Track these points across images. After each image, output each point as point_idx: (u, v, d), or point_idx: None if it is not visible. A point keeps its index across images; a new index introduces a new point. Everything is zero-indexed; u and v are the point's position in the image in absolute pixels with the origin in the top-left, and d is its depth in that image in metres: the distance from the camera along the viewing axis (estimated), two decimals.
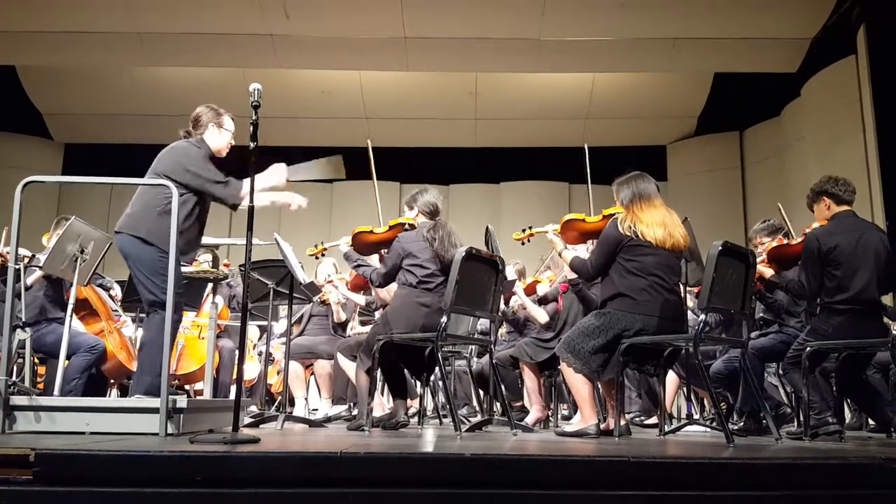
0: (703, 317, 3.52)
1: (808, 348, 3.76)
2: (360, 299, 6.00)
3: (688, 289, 4.49)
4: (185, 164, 3.59)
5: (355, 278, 5.60)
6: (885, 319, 3.97)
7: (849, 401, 5.09)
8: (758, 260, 3.97)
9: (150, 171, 3.64)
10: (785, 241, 4.29)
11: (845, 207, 3.97)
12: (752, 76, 9.60)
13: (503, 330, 6.26)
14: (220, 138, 3.83)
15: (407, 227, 4.32)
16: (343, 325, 5.89)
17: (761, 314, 4.65)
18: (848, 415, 5.52)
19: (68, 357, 4.22)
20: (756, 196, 10.59)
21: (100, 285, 5.17)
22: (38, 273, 4.45)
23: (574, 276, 4.60)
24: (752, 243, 4.77)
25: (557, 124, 10.88)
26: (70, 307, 3.94)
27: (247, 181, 3.41)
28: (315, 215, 11.25)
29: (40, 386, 4.88)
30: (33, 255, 4.59)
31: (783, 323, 4.49)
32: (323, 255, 5.06)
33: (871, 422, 5.01)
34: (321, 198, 11.53)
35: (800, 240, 4.09)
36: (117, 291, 5.33)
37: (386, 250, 4.42)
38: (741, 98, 10.30)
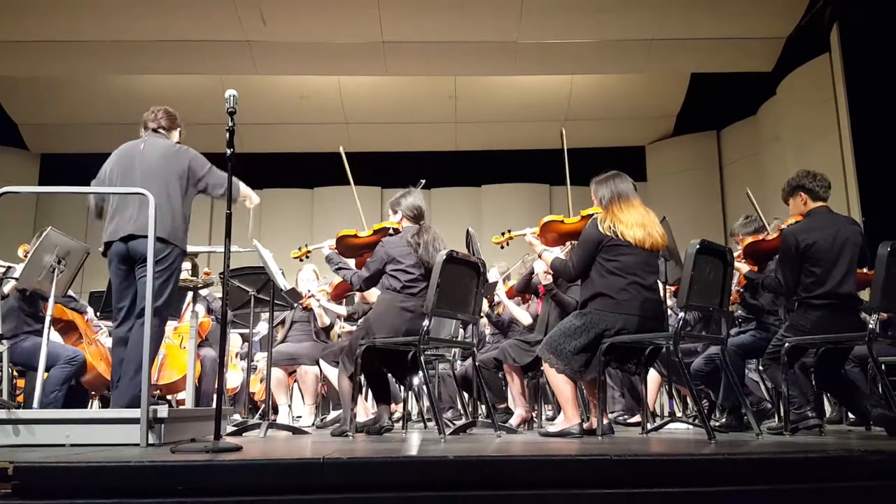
0: (682, 315, 3.54)
1: (787, 344, 3.80)
2: (342, 310, 5.98)
3: (667, 287, 4.52)
4: (194, 170, 3.78)
5: (339, 285, 5.58)
6: (862, 314, 4.02)
7: (828, 395, 5.14)
8: (735, 255, 4.01)
9: (159, 173, 3.69)
10: (760, 237, 4.33)
11: (821, 203, 4.01)
12: (728, 76, 9.70)
13: (487, 332, 6.27)
14: (178, 138, 3.99)
15: (391, 231, 4.32)
16: (326, 330, 5.87)
17: (740, 311, 4.69)
18: (828, 409, 5.58)
19: (47, 369, 4.17)
20: (734, 194, 10.70)
21: (73, 308, 5.09)
22: (12, 283, 4.40)
23: (548, 281, 4.63)
24: (733, 239, 4.82)
25: (537, 126, 10.93)
26: (48, 318, 3.90)
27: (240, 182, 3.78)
28: (296, 220, 11.23)
29: (19, 399, 4.82)
30: (9, 267, 4.53)
31: (761, 320, 4.53)
32: (307, 256, 5.04)
33: (850, 415, 5.07)
34: (302, 203, 11.51)
35: (775, 235, 4.13)
36: (91, 315, 5.27)
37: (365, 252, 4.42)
38: (718, 98, 10.41)
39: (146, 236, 3.42)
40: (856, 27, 7.80)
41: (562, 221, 4.08)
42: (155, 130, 3.90)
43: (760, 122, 10.23)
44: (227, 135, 2.96)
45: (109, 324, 5.48)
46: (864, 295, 4.20)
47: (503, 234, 4.41)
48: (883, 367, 4.27)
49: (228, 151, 2.96)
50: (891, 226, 6.31)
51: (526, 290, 5.56)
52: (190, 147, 3.87)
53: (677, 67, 9.89)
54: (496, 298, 5.76)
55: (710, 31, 8.77)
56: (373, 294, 4.99)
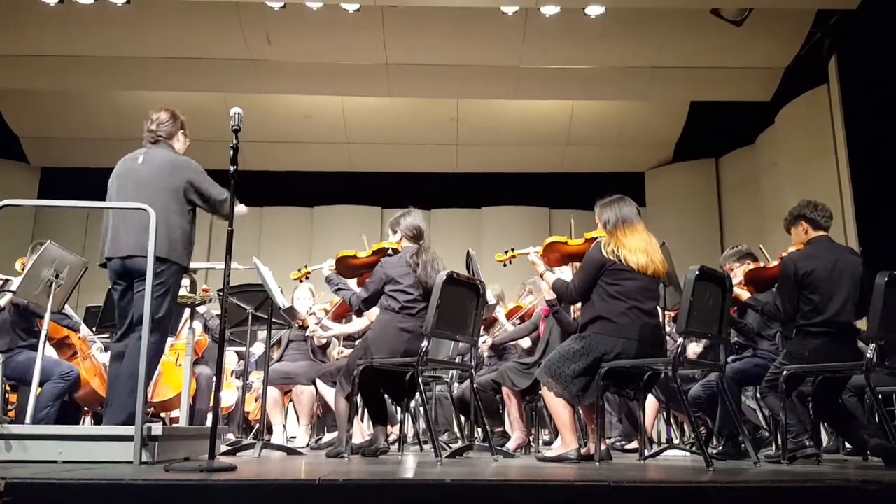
0: (680, 340, 3.54)
1: (785, 372, 3.79)
2: (341, 329, 5.96)
3: (666, 313, 4.52)
4: (197, 184, 3.65)
5: (340, 305, 5.58)
6: (860, 343, 4.02)
7: (825, 424, 5.12)
8: (734, 283, 4.01)
9: (154, 187, 3.59)
10: (761, 264, 4.35)
11: (822, 233, 4.03)
12: (727, 104, 9.78)
13: (485, 354, 6.25)
14: (184, 146, 3.87)
15: (390, 251, 4.32)
16: (323, 349, 5.85)
17: (735, 338, 4.69)
18: (825, 438, 5.56)
19: (41, 384, 4.14)
20: (732, 221, 10.74)
21: (67, 326, 5.07)
22: (9, 296, 4.39)
23: (552, 298, 4.62)
24: (722, 269, 4.83)
25: (538, 150, 10.99)
26: (44, 333, 3.88)
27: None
28: (296, 239, 11.24)
29: (11, 414, 4.79)
30: (7, 280, 4.53)
31: (757, 346, 4.53)
32: (307, 278, 5.04)
33: (847, 445, 5.04)
34: (302, 222, 11.52)
35: (776, 262, 4.14)
36: (85, 332, 5.24)
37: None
38: (717, 126, 10.48)
39: (143, 256, 3.42)
40: (854, 58, 7.88)
41: (566, 243, 4.09)
42: (155, 142, 3.79)
43: (759, 150, 10.28)
44: (231, 152, 2.96)
45: (105, 338, 5.48)
46: (862, 325, 4.20)
47: (506, 252, 4.42)
48: (880, 396, 4.25)
49: (232, 168, 2.96)
50: (888, 254, 6.34)
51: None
52: (192, 159, 3.78)
53: (677, 95, 9.98)
54: (501, 331, 5.73)
55: (711, 61, 8.86)
56: (373, 314, 4.98)
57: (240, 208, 3.84)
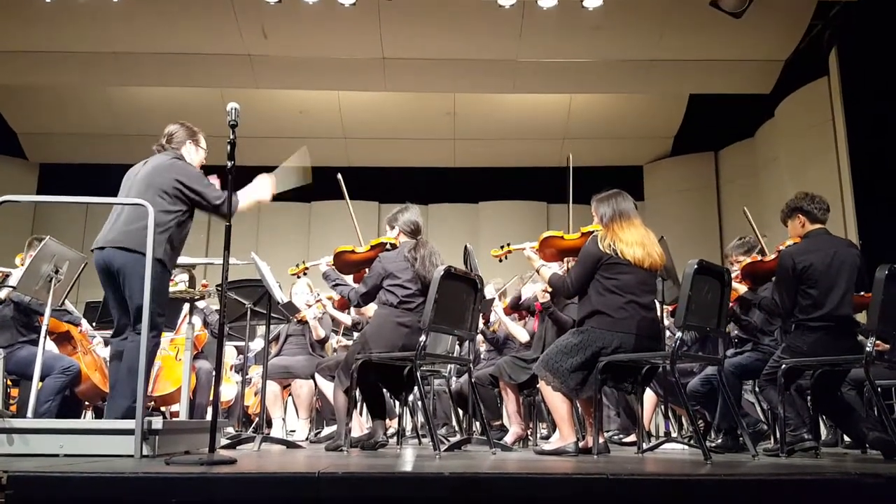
0: (679, 334, 3.54)
1: (784, 365, 3.80)
2: (347, 318, 5.98)
3: (664, 307, 4.52)
4: (187, 183, 3.58)
5: (340, 300, 5.59)
6: (859, 337, 4.02)
7: (824, 417, 5.14)
8: (732, 275, 4.02)
9: (142, 186, 3.57)
10: (759, 258, 4.35)
11: (819, 225, 4.03)
12: (726, 97, 9.76)
13: (482, 349, 6.26)
14: (196, 156, 3.85)
15: (388, 246, 4.32)
16: (322, 343, 5.86)
17: (736, 332, 4.69)
18: (823, 431, 5.57)
19: (42, 379, 4.15)
20: (731, 215, 10.73)
21: (68, 321, 5.06)
22: (8, 289, 4.39)
23: (546, 298, 4.63)
24: (727, 261, 4.83)
25: (535, 144, 10.98)
26: (44, 328, 3.88)
27: (237, 194, 3.55)
28: (293, 234, 11.24)
29: (13, 408, 4.80)
30: (7, 275, 4.53)
31: (758, 341, 4.53)
32: (305, 273, 5.05)
33: (846, 438, 5.05)
34: (299, 217, 11.52)
35: (773, 256, 4.14)
36: (86, 327, 5.25)
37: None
38: (716, 119, 10.47)
39: (114, 248, 3.47)
40: (854, 50, 7.87)
41: (562, 237, 4.09)
42: (161, 151, 3.80)
43: (758, 143, 10.28)
44: (228, 147, 2.96)
45: (105, 333, 5.48)
46: (862, 318, 4.20)
47: (502, 247, 4.43)
48: (879, 390, 4.26)
49: (229, 164, 2.96)
50: (888, 248, 6.34)
51: (516, 309, 5.57)
52: (190, 165, 3.75)
53: (676, 88, 9.96)
54: (493, 316, 5.77)
55: (710, 53, 8.84)
56: (370, 310, 4.99)
57: (251, 200, 3.78)
